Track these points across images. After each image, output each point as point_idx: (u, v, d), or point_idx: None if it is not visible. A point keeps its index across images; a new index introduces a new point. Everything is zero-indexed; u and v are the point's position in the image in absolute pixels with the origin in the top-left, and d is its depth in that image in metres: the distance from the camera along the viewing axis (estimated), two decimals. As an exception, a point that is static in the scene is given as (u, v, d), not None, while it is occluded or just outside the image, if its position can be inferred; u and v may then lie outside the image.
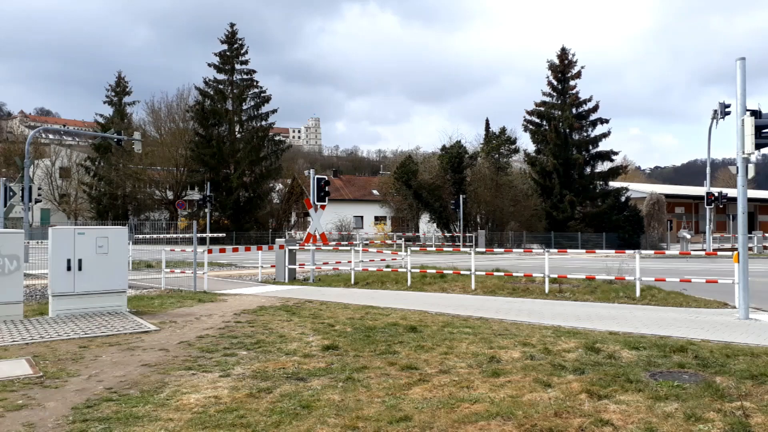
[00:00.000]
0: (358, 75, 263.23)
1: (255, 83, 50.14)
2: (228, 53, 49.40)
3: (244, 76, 49.88)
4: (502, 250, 25.92)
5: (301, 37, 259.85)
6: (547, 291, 13.42)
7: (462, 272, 15.92)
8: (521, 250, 27.89)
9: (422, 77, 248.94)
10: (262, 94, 50.30)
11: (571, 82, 44.33)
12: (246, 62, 50.06)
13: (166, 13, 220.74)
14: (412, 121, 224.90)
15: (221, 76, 49.36)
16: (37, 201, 28.93)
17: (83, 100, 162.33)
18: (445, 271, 16.40)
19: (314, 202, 17.98)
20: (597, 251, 17.51)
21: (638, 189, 48.07)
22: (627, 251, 14.69)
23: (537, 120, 45.22)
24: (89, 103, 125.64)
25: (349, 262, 17.38)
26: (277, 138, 53.97)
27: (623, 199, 42.90)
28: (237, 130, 49.69)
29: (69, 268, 10.32)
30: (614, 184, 45.06)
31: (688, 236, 34.72)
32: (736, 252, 10.35)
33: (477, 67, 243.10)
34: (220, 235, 38.91)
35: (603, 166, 45.10)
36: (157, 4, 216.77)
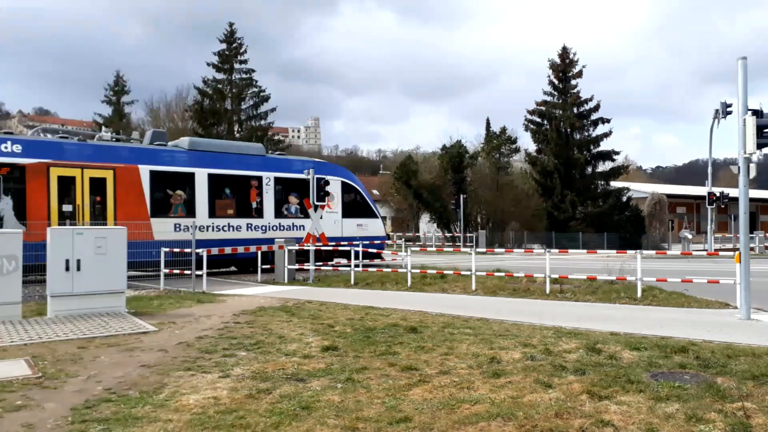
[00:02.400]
0: (356, 73, 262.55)
1: (254, 83, 50.17)
2: (227, 53, 49.41)
3: (243, 76, 49.89)
4: (502, 250, 25.90)
5: (298, 35, 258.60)
6: (548, 291, 13.38)
7: (462, 273, 15.89)
8: (522, 251, 27.85)
9: (421, 76, 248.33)
10: (261, 94, 50.32)
11: (573, 82, 44.31)
12: (245, 62, 50.06)
13: (160, 10, 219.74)
14: (412, 121, 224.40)
15: (220, 76, 49.38)
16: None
17: (82, 99, 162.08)
18: (445, 272, 16.37)
19: (314, 202, 17.96)
20: (598, 251, 17.48)
21: (640, 189, 48.07)
22: (628, 251, 14.64)
23: (538, 119, 45.20)
24: (88, 103, 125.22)
25: (349, 262, 17.35)
26: (276, 137, 53.98)
27: (624, 199, 42.89)
28: (236, 129, 49.70)
29: (67, 269, 10.30)
30: (615, 184, 45.05)
31: (690, 236, 34.67)
32: (737, 252, 10.32)
33: (477, 66, 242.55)
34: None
35: (604, 166, 45.10)
36: (151, 1, 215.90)
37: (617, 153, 45.77)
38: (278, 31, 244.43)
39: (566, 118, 43.40)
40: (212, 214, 18.98)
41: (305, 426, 4.75)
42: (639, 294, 12.52)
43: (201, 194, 18.82)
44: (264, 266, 17.42)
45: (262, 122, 50.26)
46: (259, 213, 20.06)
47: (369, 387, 5.84)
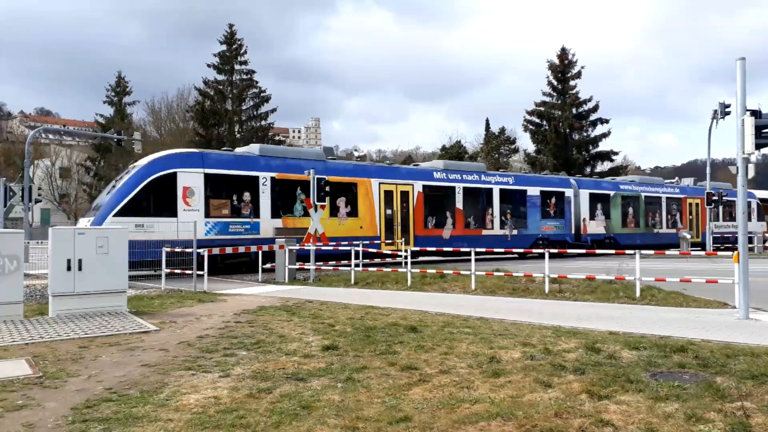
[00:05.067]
0: (355, 73, 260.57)
1: (254, 83, 50.25)
2: (227, 54, 49.52)
3: (244, 77, 50.00)
4: (502, 249, 25.89)
5: (296, 34, 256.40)
6: (547, 291, 13.41)
7: (462, 272, 15.91)
8: (521, 250, 27.86)
9: (420, 75, 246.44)
10: (262, 94, 50.44)
11: (571, 82, 44.40)
12: (245, 63, 50.20)
13: (160, 10, 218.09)
14: (411, 121, 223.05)
15: (221, 77, 49.51)
16: (37, 201, 29.03)
17: (83, 100, 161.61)
18: (445, 271, 16.39)
19: (314, 202, 17.98)
20: (597, 251, 17.48)
21: (638, 189, 48.09)
22: (627, 251, 14.67)
23: (537, 120, 45.28)
24: (89, 103, 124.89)
25: (349, 262, 17.37)
26: (276, 138, 54.06)
27: (624, 199, 43.04)
28: (237, 130, 49.81)
29: (69, 268, 10.32)
30: (615, 184, 45.11)
31: (688, 236, 34.67)
32: (736, 252, 10.34)
33: (476, 66, 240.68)
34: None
35: (603, 166, 45.27)
36: (152, 2, 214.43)
37: (616, 153, 45.99)
38: (276, 31, 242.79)
39: (565, 118, 43.46)
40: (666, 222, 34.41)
41: (305, 425, 4.77)
42: (638, 294, 12.54)
43: (663, 210, 33.84)
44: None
45: (263, 123, 50.39)
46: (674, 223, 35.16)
47: (369, 386, 5.86)
